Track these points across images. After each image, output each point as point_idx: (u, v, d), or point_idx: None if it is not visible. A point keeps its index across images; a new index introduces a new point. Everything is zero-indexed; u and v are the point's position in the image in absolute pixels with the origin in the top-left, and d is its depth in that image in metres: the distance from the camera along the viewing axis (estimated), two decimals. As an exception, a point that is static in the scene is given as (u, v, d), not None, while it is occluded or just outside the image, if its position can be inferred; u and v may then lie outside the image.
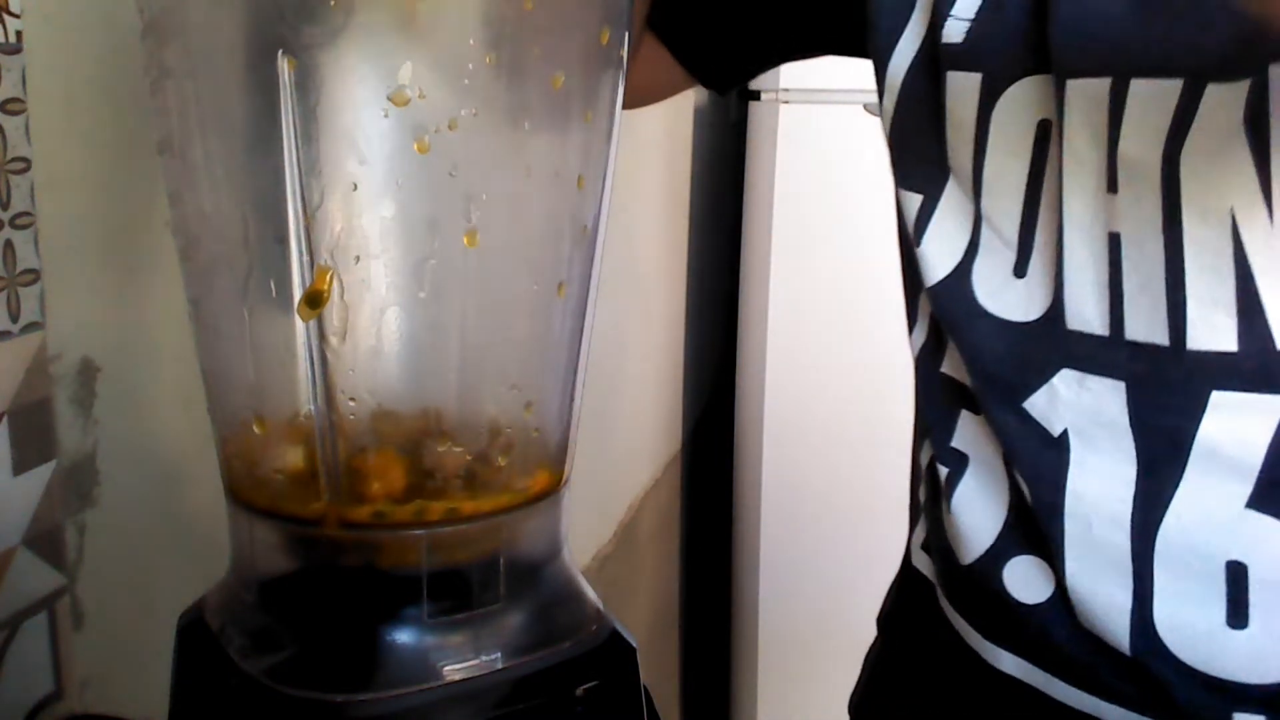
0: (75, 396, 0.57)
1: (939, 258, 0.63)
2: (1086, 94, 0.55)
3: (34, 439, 0.54)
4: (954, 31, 0.60)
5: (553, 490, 0.51)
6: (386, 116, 0.44)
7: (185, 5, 0.48)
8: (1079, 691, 0.60)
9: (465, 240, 0.47)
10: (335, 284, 0.45)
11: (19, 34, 0.52)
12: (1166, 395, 0.55)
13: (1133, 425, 0.56)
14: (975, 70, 0.60)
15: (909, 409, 0.72)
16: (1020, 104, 0.59)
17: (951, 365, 0.65)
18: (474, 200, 0.48)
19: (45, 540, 0.55)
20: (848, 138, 1.67)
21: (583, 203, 0.51)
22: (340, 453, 0.47)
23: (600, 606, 0.52)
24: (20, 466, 0.54)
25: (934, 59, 0.61)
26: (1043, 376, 0.59)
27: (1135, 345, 0.56)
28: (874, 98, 0.68)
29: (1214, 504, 0.55)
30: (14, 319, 0.53)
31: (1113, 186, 0.55)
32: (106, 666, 0.60)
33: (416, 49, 0.46)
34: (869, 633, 0.81)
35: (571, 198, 0.51)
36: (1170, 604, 0.56)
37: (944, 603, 0.68)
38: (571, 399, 0.53)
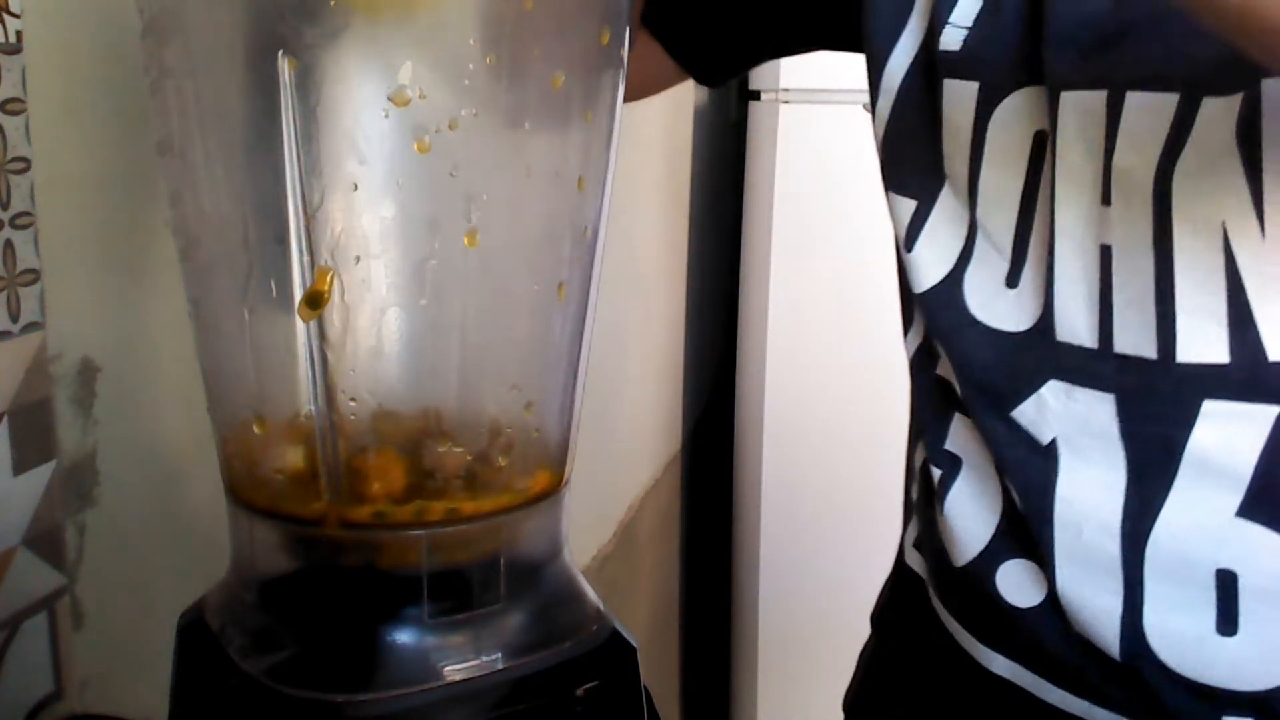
0: (75, 396, 0.57)
1: (930, 264, 0.63)
2: (1082, 106, 0.55)
3: (34, 439, 0.54)
4: (952, 39, 0.60)
5: (553, 490, 0.51)
6: (387, 116, 0.44)
7: (185, 5, 0.48)
8: (1070, 695, 0.60)
9: (465, 240, 0.47)
10: (335, 284, 0.45)
11: (19, 34, 0.52)
12: (1156, 405, 0.55)
13: (1122, 435, 0.56)
14: (972, 79, 0.59)
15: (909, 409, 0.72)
16: (1017, 115, 0.59)
17: (945, 369, 0.65)
18: (474, 200, 0.48)
19: (45, 540, 0.55)
20: (848, 138, 1.67)
21: (583, 203, 0.51)
22: (341, 453, 0.47)
23: (600, 606, 0.52)
24: (20, 466, 0.53)
25: (931, 65, 0.61)
26: (1032, 386, 0.59)
27: (1124, 358, 0.56)
28: (874, 98, 0.68)
29: (1204, 512, 0.55)
30: (14, 319, 0.53)
31: (1106, 199, 0.55)
32: (106, 666, 0.60)
33: (417, 49, 0.46)
34: (869, 632, 0.81)
35: (572, 198, 0.51)
36: (1160, 611, 0.56)
37: (936, 603, 0.68)
38: (572, 399, 0.53)
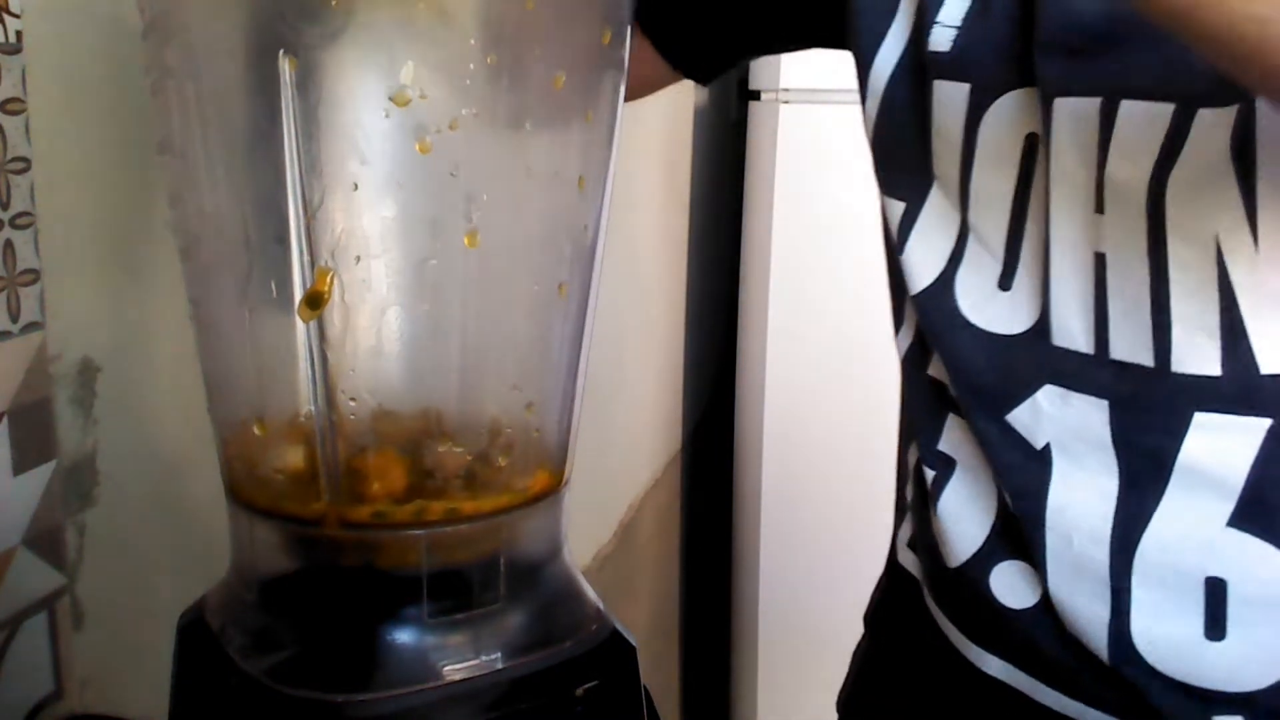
0: (75, 396, 0.57)
1: (922, 266, 0.62)
2: (1075, 113, 0.55)
3: (34, 439, 0.54)
4: (941, 39, 0.59)
5: (553, 490, 0.51)
6: (388, 117, 0.44)
7: (186, 5, 0.48)
8: (1063, 696, 0.60)
9: (466, 241, 0.47)
10: (336, 284, 0.45)
11: (19, 34, 0.52)
12: (1149, 415, 0.55)
13: (1115, 443, 0.56)
14: (962, 80, 0.59)
15: (909, 410, 0.72)
16: (1008, 117, 0.58)
17: (937, 369, 0.65)
18: (475, 201, 0.48)
19: (45, 540, 0.55)
20: (847, 138, 1.66)
21: (583, 203, 0.51)
22: (340, 453, 0.47)
23: (600, 606, 0.52)
24: (20, 466, 0.53)
25: (920, 65, 0.61)
26: (1027, 390, 0.59)
27: (1120, 365, 0.56)
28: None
29: (1195, 522, 0.55)
30: (14, 319, 0.53)
31: (1100, 207, 0.55)
32: (106, 666, 0.60)
33: (418, 49, 0.46)
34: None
35: (572, 198, 0.51)
36: (1147, 618, 0.56)
37: (930, 603, 0.68)
38: (572, 399, 0.53)
